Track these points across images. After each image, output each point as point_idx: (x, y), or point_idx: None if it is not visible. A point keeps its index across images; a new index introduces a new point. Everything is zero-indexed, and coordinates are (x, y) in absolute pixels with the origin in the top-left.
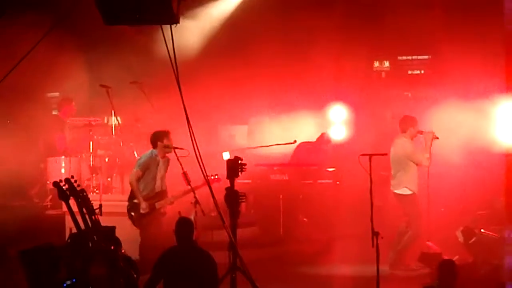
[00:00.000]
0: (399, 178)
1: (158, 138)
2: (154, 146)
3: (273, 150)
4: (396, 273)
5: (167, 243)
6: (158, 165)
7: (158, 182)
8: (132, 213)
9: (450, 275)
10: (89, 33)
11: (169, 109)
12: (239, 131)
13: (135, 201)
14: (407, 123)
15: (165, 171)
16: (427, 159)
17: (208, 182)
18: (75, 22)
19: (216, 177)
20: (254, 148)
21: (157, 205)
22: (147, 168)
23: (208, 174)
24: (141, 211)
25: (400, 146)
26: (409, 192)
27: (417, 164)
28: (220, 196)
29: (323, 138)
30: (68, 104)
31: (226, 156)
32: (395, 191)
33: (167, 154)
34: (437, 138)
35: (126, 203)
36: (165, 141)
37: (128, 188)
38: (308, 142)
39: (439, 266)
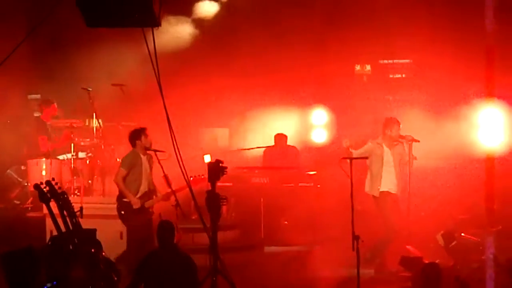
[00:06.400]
0: (370, 179)
1: (135, 137)
2: (133, 145)
3: (255, 152)
4: (370, 272)
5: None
6: (141, 162)
7: (144, 182)
8: (122, 212)
9: (434, 279)
10: (70, 35)
11: (150, 111)
12: (221, 133)
13: (125, 199)
14: (384, 126)
15: (150, 168)
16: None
17: (189, 185)
18: (57, 24)
19: (202, 176)
20: (235, 151)
21: (146, 204)
22: (131, 167)
23: (191, 175)
24: (134, 206)
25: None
26: (377, 194)
27: (378, 164)
28: (201, 198)
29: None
30: (49, 106)
31: (207, 159)
32: (370, 192)
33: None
34: (418, 141)
35: (110, 204)
36: (143, 139)
37: (108, 191)
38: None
39: (423, 269)
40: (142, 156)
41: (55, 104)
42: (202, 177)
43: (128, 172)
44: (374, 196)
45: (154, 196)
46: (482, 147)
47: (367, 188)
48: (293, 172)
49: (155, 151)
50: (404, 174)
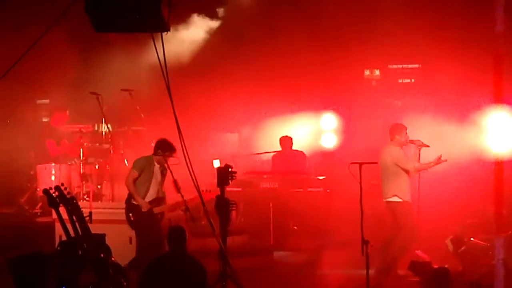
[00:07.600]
0: (388, 186)
1: (159, 147)
2: (154, 152)
3: (264, 157)
4: (382, 279)
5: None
6: (153, 169)
7: (153, 188)
8: (130, 214)
9: (443, 284)
10: (79, 40)
11: (160, 116)
12: (230, 138)
13: (133, 202)
14: (394, 131)
15: (162, 178)
16: (414, 167)
17: (199, 193)
18: (66, 29)
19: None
20: (244, 156)
21: (155, 210)
22: (142, 170)
23: (201, 188)
24: (143, 209)
25: (388, 153)
26: (399, 200)
27: (406, 172)
28: (211, 204)
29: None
30: (61, 112)
31: (217, 164)
32: (386, 199)
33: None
34: (428, 146)
35: (120, 209)
36: (167, 154)
37: (118, 196)
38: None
39: (432, 274)
40: (156, 164)
41: (68, 111)
42: (210, 192)
43: (139, 175)
44: (404, 202)
45: (163, 203)
46: (491, 152)
47: (400, 195)
48: (303, 177)
49: (166, 156)
50: (413, 178)
